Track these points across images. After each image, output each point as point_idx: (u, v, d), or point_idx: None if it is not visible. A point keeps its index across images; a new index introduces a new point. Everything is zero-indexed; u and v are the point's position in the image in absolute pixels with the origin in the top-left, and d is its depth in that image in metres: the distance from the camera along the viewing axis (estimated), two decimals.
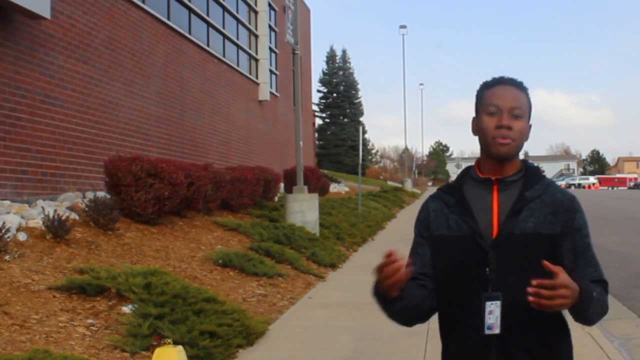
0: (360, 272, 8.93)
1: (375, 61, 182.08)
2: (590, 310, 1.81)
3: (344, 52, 59.30)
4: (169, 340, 3.57)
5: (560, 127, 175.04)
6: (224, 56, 16.59)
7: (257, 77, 19.77)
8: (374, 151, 75.25)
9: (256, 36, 20.06)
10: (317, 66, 67.84)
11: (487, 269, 1.84)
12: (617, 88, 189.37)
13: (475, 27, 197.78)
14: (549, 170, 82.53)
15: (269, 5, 21.24)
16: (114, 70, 10.38)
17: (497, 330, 1.82)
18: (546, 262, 1.72)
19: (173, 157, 11.50)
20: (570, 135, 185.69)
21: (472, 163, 2.03)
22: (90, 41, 9.60)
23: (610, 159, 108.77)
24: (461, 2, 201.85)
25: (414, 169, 52.50)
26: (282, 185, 16.08)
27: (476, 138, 1.96)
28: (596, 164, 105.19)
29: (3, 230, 5.62)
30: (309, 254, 9.57)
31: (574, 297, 1.74)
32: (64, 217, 6.51)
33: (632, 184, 67.38)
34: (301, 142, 12.70)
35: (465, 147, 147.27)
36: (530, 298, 1.71)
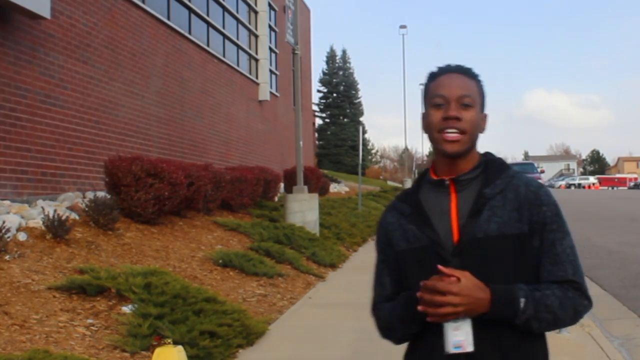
0: (360, 272, 8.93)
1: (375, 61, 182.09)
2: (521, 319, 1.60)
3: (344, 52, 59.29)
4: (169, 340, 3.57)
5: (560, 127, 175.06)
6: (224, 56, 16.59)
7: (257, 77, 19.78)
8: (374, 151, 75.19)
9: (256, 36, 20.07)
10: (317, 66, 67.97)
11: None
12: (617, 88, 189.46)
13: (475, 27, 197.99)
14: (549, 170, 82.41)
15: (269, 5, 21.24)
16: (114, 70, 10.38)
17: (469, 348, 1.61)
18: (440, 266, 1.59)
19: (173, 157, 11.51)
20: (570, 135, 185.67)
21: None
22: (90, 41, 9.60)
23: (610, 159, 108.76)
24: (461, 2, 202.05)
25: (414, 169, 52.43)
26: (282, 185, 16.08)
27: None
28: (596, 164, 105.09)
29: (3, 230, 5.62)
30: (309, 254, 9.57)
31: (476, 306, 1.57)
32: (64, 217, 6.51)
33: (632, 184, 67.26)
34: (301, 142, 12.71)
35: None
36: (420, 307, 1.59)
